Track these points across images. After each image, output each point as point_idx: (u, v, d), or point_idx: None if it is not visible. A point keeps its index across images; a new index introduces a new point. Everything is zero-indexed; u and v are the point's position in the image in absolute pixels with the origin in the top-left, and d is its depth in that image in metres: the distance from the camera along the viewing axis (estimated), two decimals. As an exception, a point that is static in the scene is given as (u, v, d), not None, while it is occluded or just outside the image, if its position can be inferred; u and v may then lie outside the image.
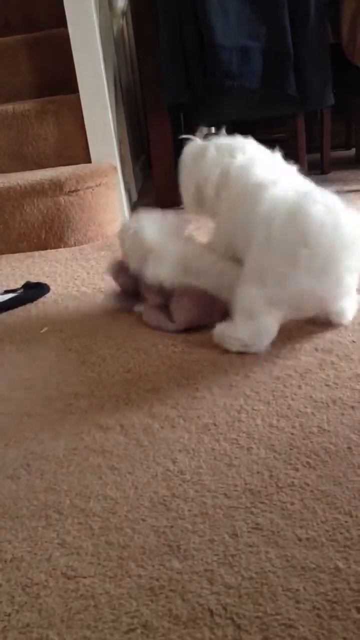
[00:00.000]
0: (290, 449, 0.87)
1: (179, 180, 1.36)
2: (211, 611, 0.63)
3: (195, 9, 2.10)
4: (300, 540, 0.70)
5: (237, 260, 1.23)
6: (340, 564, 0.66)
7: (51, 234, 2.02)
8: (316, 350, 1.15)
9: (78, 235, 2.04)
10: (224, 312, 1.21)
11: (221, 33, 2.10)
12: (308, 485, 0.79)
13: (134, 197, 2.68)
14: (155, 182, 2.72)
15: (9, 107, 2.18)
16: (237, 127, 3.43)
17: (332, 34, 2.37)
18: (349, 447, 0.86)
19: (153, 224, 1.38)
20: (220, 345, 1.19)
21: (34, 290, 1.64)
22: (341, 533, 0.70)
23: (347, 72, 2.46)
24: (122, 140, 2.39)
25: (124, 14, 2.79)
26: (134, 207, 2.53)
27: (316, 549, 0.69)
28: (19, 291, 1.64)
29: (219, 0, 2.09)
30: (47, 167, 2.21)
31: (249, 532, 0.72)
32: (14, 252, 2.07)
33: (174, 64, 2.21)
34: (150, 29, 2.39)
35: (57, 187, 1.98)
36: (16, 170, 2.22)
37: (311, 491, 0.78)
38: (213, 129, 1.29)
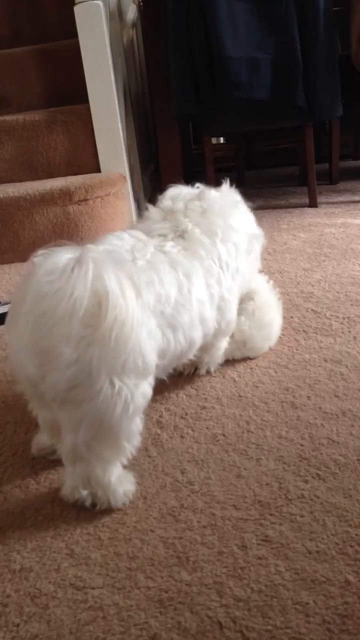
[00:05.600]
0: (300, 461, 0.87)
1: None
2: (220, 624, 0.62)
3: (205, 20, 2.12)
4: (310, 553, 0.70)
5: None
6: (351, 578, 0.66)
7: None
8: (325, 361, 1.15)
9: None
10: None
11: (230, 44, 2.11)
12: (318, 497, 0.79)
13: (143, 207, 2.69)
14: (164, 191, 2.72)
15: (20, 117, 2.20)
16: (246, 138, 3.44)
17: (341, 45, 2.38)
18: (359, 459, 0.85)
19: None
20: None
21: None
22: (351, 546, 0.70)
23: (356, 82, 2.47)
24: (131, 150, 2.40)
25: (133, 25, 2.81)
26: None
27: (326, 562, 0.68)
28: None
29: (228, 11, 2.11)
30: (56, 177, 2.22)
31: (258, 544, 0.72)
32: (23, 261, 2.07)
33: (183, 75, 2.22)
34: (159, 40, 2.41)
35: (66, 196, 1.99)
36: (26, 180, 2.23)
37: (321, 503, 0.77)
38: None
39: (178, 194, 1.12)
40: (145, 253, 0.91)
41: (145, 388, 0.82)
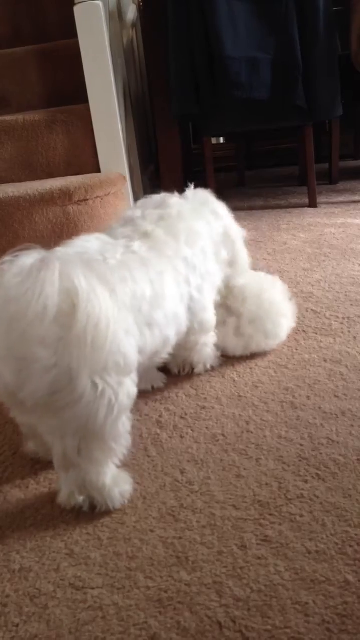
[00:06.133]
0: (300, 461, 0.87)
1: None
2: (220, 624, 0.62)
3: (205, 20, 2.12)
4: (309, 553, 0.70)
5: None
6: (350, 578, 0.66)
7: (60, 243, 2.02)
8: (325, 361, 1.15)
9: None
10: None
11: (231, 45, 2.11)
12: (317, 497, 0.79)
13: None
14: (164, 191, 2.72)
15: (20, 117, 2.19)
16: (246, 138, 3.44)
17: (341, 44, 2.38)
18: (358, 459, 0.85)
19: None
20: (226, 356, 1.19)
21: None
22: (351, 546, 0.70)
23: (356, 82, 2.47)
24: (131, 150, 2.40)
25: (133, 25, 2.81)
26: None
27: (326, 562, 0.68)
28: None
29: (228, 12, 2.11)
30: (56, 177, 2.21)
31: (258, 544, 0.72)
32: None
33: (184, 75, 2.23)
34: (159, 41, 2.41)
35: (66, 196, 1.99)
36: (26, 180, 2.23)
37: (320, 503, 0.77)
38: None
39: (144, 202, 1.13)
40: (115, 253, 0.91)
41: (129, 386, 0.81)
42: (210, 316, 1.12)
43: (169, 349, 1.02)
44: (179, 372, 1.18)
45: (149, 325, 0.90)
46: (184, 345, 1.10)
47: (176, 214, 1.09)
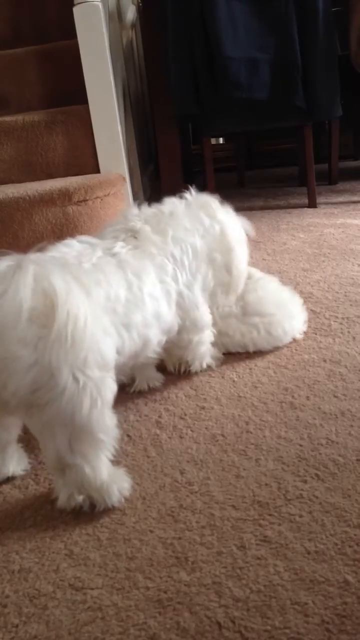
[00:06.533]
0: (299, 461, 0.87)
1: None
2: (219, 624, 0.62)
3: (205, 21, 2.12)
4: (309, 553, 0.70)
5: None
6: (350, 578, 0.66)
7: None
8: (324, 361, 1.15)
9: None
10: None
11: (230, 45, 2.11)
12: (317, 497, 0.79)
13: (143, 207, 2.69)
14: (164, 191, 2.73)
15: (19, 117, 2.19)
16: (245, 138, 3.44)
17: (340, 45, 2.38)
18: (358, 459, 0.85)
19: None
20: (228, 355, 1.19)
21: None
22: (350, 546, 0.70)
23: (356, 83, 2.47)
24: (130, 150, 2.40)
25: (133, 25, 2.81)
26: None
27: (325, 562, 0.68)
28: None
29: (228, 12, 2.11)
30: (56, 177, 2.21)
31: (257, 544, 0.72)
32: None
33: (183, 75, 2.23)
34: (159, 41, 2.41)
35: (66, 197, 1.99)
36: (25, 181, 2.23)
37: (320, 503, 0.77)
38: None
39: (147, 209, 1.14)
40: (91, 257, 0.92)
41: (110, 382, 0.82)
42: (202, 314, 1.11)
43: (153, 349, 1.01)
44: (176, 370, 1.18)
45: (125, 326, 0.90)
46: (178, 344, 1.11)
47: (168, 212, 1.10)
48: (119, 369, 0.92)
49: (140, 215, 1.08)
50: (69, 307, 0.72)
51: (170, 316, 1.02)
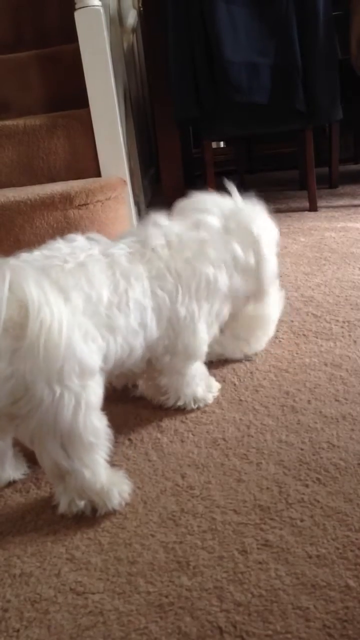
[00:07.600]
0: (300, 465, 0.87)
1: None
2: (220, 629, 0.62)
3: (205, 24, 2.12)
4: (310, 557, 0.70)
5: None
6: (351, 582, 0.66)
7: None
8: (325, 365, 1.15)
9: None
10: None
11: (231, 49, 2.11)
12: (318, 501, 0.79)
13: (143, 211, 2.69)
14: (165, 195, 2.73)
15: (20, 121, 2.20)
16: (246, 142, 3.44)
17: (341, 49, 2.38)
18: (359, 463, 0.85)
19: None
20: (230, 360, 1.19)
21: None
22: (352, 550, 0.70)
23: (356, 86, 2.47)
24: (131, 154, 2.40)
25: (134, 30, 2.82)
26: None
27: (326, 567, 0.68)
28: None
29: (228, 16, 2.11)
30: (57, 181, 2.22)
31: (258, 548, 0.72)
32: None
33: (184, 79, 2.23)
34: (159, 45, 2.42)
35: (67, 200, 1.99)
36: (27, 184, 2.23)
37: (321, 508, 0.77)
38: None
39: (188, 204, 1.08)
40: (79, 256, 0.87)
41: (94, 387, 0.80)
42: (199, 343, 1.00)
43: (136, 359, 0.93)
44: (157, 404, 1.07)
45: (110, 329, 0.85)
46: (158, 368, 1.00)
47: (198, 240, 1.00)
48: (109, 375, 0.89)
49: (169, 230, 0.99)
50: (42, 317, 0.71)
51: (155, 330, 0.93)
